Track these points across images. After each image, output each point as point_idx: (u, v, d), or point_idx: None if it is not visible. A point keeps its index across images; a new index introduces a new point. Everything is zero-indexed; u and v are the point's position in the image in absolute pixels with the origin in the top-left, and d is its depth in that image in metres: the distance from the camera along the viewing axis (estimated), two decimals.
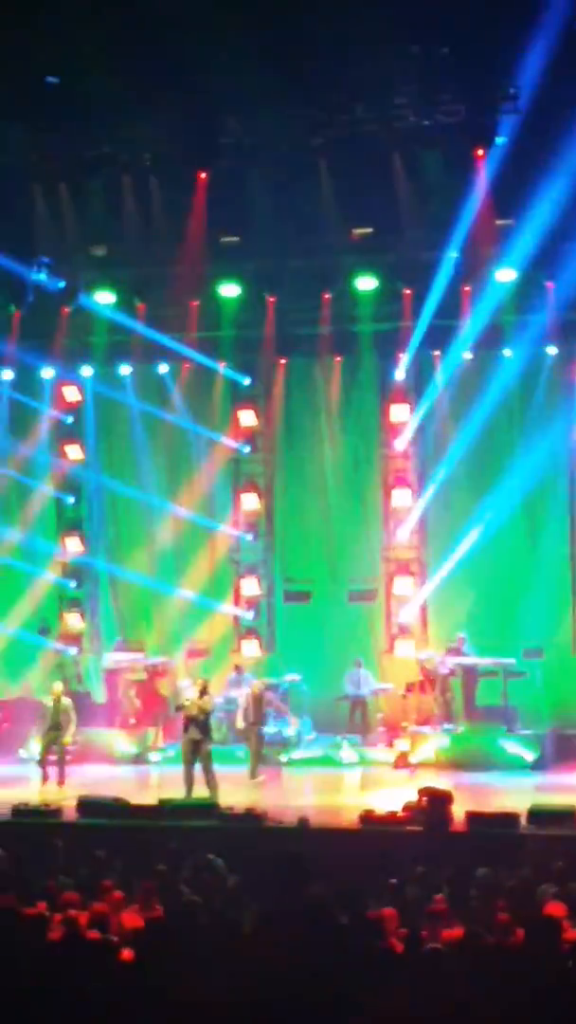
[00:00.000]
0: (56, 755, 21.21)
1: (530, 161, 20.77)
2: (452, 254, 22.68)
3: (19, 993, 9.06)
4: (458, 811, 17.15)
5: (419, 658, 24.02)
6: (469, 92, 21.04)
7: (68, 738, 21.62)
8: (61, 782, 20.93)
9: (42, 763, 21.28)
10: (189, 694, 20.04)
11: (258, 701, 21.55)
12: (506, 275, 22.70)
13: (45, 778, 21.02)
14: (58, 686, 21.91)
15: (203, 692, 19.92)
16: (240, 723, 21.73)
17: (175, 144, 22.57)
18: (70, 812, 18.45)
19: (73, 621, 26.99)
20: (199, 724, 19.63)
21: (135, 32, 19.90)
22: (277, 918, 11.06)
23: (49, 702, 21.64)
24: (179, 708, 20.08)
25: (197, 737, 19.55)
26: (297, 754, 23.27)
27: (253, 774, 21.19)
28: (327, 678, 24.37)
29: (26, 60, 20.63)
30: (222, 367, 26.10)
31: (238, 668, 25.16)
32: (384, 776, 22.04)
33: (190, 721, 19.66)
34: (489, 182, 21.42)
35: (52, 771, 21.10)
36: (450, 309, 23.52)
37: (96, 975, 9.41)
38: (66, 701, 21.57)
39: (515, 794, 19.21)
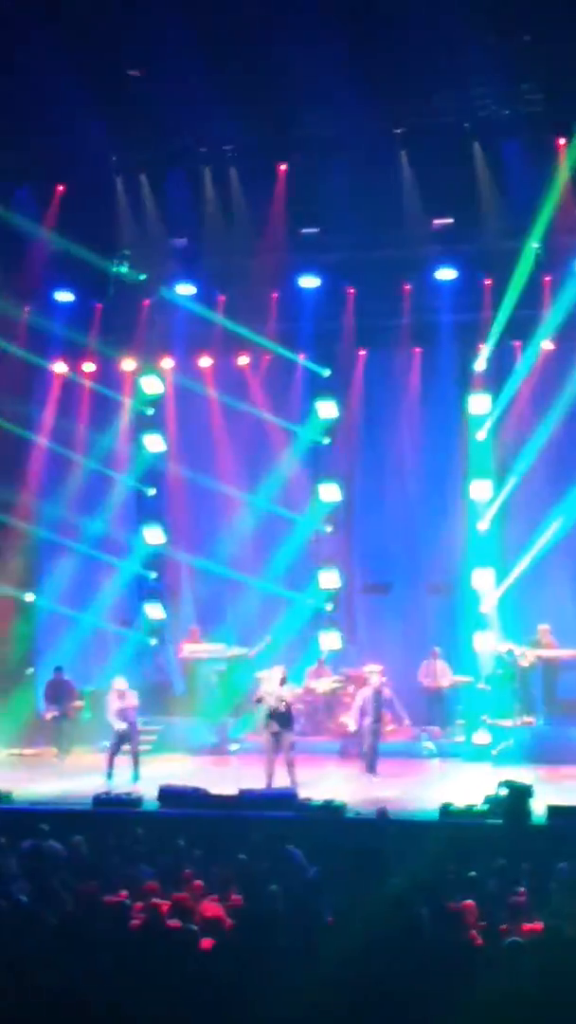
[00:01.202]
0: (131, 750, 20.85)
1: None
2: (533, 244, 22.53)
3: (101, 979, 9.15)
4: (538, 804, 17.06)
5: (499, 650, 23.89)
6: (550, 80, 20.88)
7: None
8: (135, 775, 20.58)
9: (110, 761, 20.72)
10: (268, 686, 19.99)
11: (378, 698, 21.27)
12: None
13: (110, 774, 20.44)
14: (121, 681, 21.35)
15: (282, 683, 19.89)
16: (353, 724, 21.38)
17: (255, 136, 22.61)
18: (151, 802, 18.56)
19: (153, 611, 27.15)
20: (280, 715, 19.60)
21: (215, 24, 19.95)
22: (356, 910, 11.08)
23: (115, 696, 20.96)
24: (259, 700, 20.04)
25: (277, 729, 19.53)
26: None
27: (372, 770, 20.82)
28: (406, 670, 24.28)
29: (108, 54, 20.75)
30: (302, 359, 26.11)
31: (317, 659, 25.18)
32: (463, 768, 21.97)
33: (271, 712, 19.65)
34: (570, 171, 21.27)
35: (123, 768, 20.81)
36: (531, 299, 23.40)
37: (176, 963, 9.48)
38: (131, 695, 21.04)
39: None
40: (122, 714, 20.77)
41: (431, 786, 20.24)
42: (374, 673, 21.53)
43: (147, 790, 19.01)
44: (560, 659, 23.46)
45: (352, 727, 21.59)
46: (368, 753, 20.89)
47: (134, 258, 24.56)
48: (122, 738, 20.74)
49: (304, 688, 24.18)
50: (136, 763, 20.72)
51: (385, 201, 22.17)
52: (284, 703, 19.69)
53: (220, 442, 26.69)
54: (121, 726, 20.74)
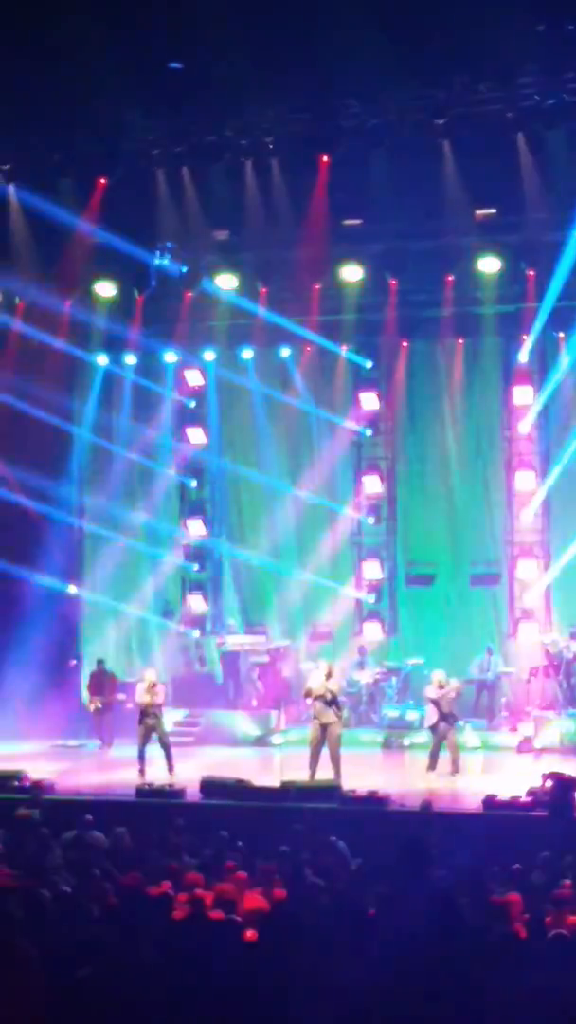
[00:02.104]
0: (161, 743, 20.66)
1: None
2: None
3: (144, 970, 9.16)
4: None
5: (543, 642, 23.80)
6: None
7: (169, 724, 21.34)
8: (171, 770, 20.43)
9: (141, 755, 20.54)
10: (315, 678, 19.88)
11: (444, 695, 20.86)
12: None
13: (142, 772, 20.28)
14: (151, 673, 21.25)
15: (329, 675, 19.80)
16: (431, 718, 21.01)
17: (297, 127, 22.58)
18: (193, 793, 18.58)
19: (196, 603, 27.18)
20: (328, 707, 19.52)
21: (257, 16, 19.91)
22: (400, 902, 11.04)
23: (143, 690, 20.76)
24: (307, 694, 19.94)
25: (326, 720, 19.44)
26: (420, 738, 23.15)
27: (456, 768, 20.28)
28: (450, 662, 24.18)
29: (149, 46, 20.75)
30: (344, 350, 26.08)
31: (361, 651, 25.15)
32: (508, 761, 21.89)
33: (320, 704, 19.55)
34: None
35: (158, 762, 20.64)
36: (575, 290, 23.25)
37: (219, 954, 9.48)
38: (160, 688, 20.92)
39: None
40: (150, 706, 20.67)
41: (475, 778, 20.17)
42: (439, 671, 21.19)
43: (190, 782, 19.02)
44: None
45: (430, 720, 21.24)
46: (433, 752, 20.43)
47: (176, 251, 24.59)
48: (150, 730, 20.65)
49: (347, 680, 24.14)
50: (169, 756, 20.64)
51: (427, 192, 22.08)
52: (332, 695, 19.59)
53: (262, 434, 26.69)
54: (149, 718, 20.62)
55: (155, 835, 15.58)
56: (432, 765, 20.34)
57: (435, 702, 20.39)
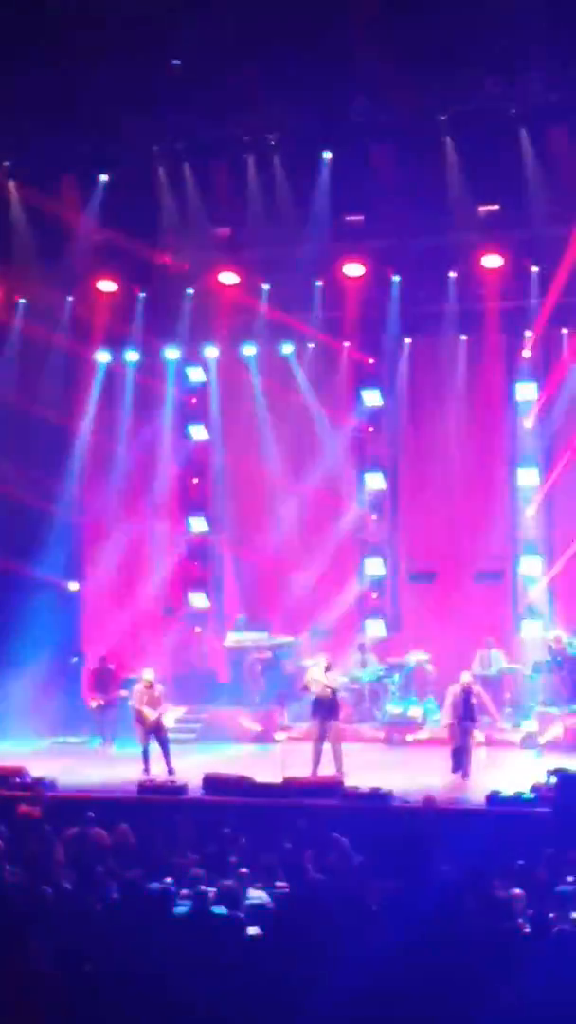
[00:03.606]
0: (159, 741, 20.60)
1: None
2: None
3: (147, 967, 9.15)
4: None
5: (547, 638, 23.76)
6: None
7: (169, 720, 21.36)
8: (170, 769, 20.29)
9: (145, 754, 20.56)
10: (314, 673, 19.94)
11: (467, 696, 20.47)
12: None
13: (147, 770, 20.33)
14: (149, 672, 21.24)
15: (327, 670, 19.83)
16: (445, 718, 20.73)
17: (299, 124, 22.52)
18: (196, 790, 18.57)
19: (198, 600, 27.14)
20: (327, 702, 19.55)
21: (258, 12, 19.90)
22: (403, 898, 11.04)
23: (140, 689, 20.85)
24: (305, 688, 20.01)
25: (326, 715, 19.48)
26: (423, 734, 23.15)
27: (465, 771, 19.75)
28: (453, 658, 24.17)
29: (150, 43, 20.73)
30: (346, 347, 26.03)
31: (362, 647, 25.12)
32: (512, 756, 21.86)
33: (318, 700, 19.58)
34: None
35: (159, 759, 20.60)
36: None
37: (222, 950, 9.47)
38: (160, 687, 20.95)
39: None
40: (150, 706, 20.66)
41: (479, 774, 20.12)
42: (467, 673, 21.03)
43: (192, 778, 19.00)
44: None
45: (444, 720, 20.98)
46: (455, 752, 19.95)
47: (177, 247, 24.55)
48: (151, 730, 20.62)
49: (348, 676, 24.11)
50: (167, 756, 20.57)
51: (430, 188, 22.00)
52: (330, 690, 19.63)
53: (264, 431, 26.63)
54: (151, 717, 20.62)
55: (158, 832, 15.58)
56: (456, 768, 19.89)
57: (460, 703, 20.17)
